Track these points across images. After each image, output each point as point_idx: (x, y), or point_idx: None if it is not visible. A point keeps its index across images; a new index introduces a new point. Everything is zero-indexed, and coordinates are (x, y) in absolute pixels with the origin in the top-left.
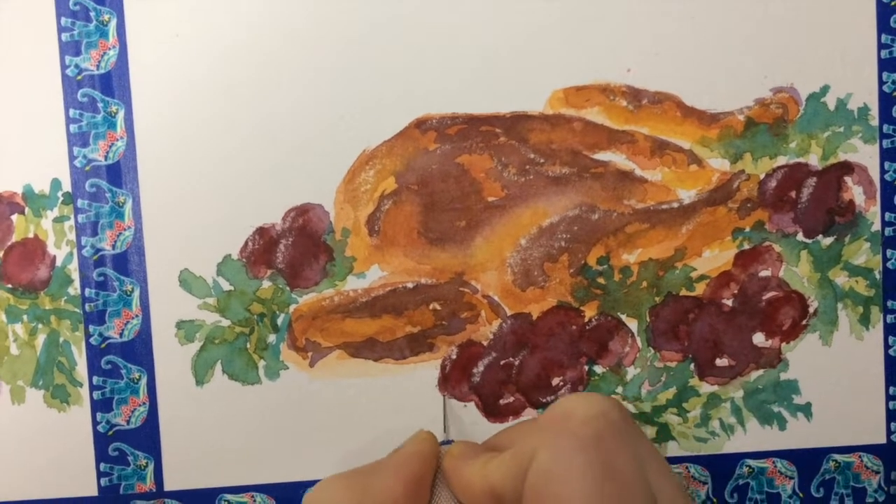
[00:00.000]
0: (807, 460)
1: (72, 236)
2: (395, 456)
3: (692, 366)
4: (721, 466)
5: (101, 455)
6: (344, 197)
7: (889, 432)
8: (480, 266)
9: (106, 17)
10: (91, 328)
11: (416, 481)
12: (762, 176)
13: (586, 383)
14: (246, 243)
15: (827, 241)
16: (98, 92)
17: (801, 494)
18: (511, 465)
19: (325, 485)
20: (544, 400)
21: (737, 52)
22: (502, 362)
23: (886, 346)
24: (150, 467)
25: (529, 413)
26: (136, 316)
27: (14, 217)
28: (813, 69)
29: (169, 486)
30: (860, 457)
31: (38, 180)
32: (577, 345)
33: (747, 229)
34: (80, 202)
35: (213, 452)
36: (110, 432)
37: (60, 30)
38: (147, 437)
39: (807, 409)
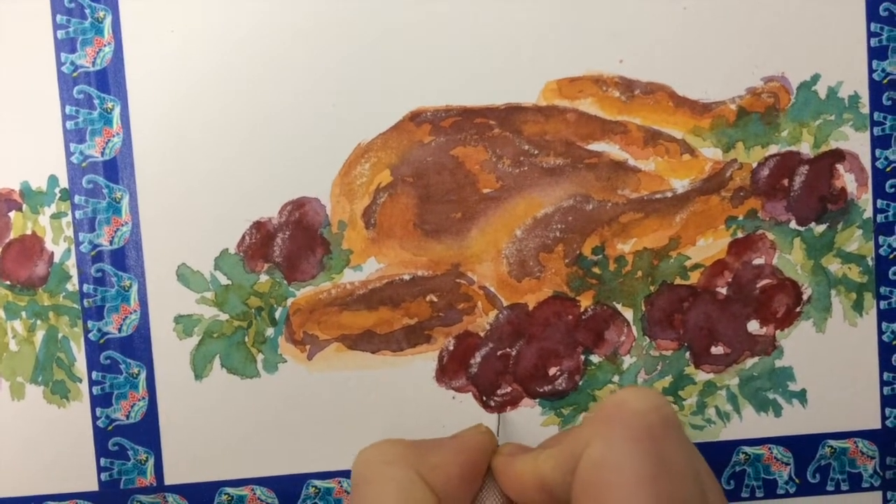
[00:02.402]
0: (803, 446)
1: (69, 232)
2: (456, 439)
3: (687, 354)
4: (718, 454)
5: (101, 450)
6: (340, 190)
7: (883, 418)
8: (476, 257)
9: (101, 13)
10: (90, 324)
11: (472, 467)
12: (754, 165)
13: (583, 373)
14: (243, 237)
15: (820, 228)
16: (94, 88)
17: (797, 480)
18: (562, 456)
19: (384, 443)
20: (541, 390)
21: (728, 41)
22: (499, 353)
23: (880, 332)
24: (151, 462)
25: (527, 403)
26: (135, 311)
27: (11, 214)
28: (803, 58)
29: (169, 480)
30: (855, 442)
31: (35, 177)
32: (573, 334)
33: (740, 218)
34: (77, 198)
35: (213, 446)
36: (110, 427)
37: (56, 27)
38: (147, 431)
39: (802, 396)
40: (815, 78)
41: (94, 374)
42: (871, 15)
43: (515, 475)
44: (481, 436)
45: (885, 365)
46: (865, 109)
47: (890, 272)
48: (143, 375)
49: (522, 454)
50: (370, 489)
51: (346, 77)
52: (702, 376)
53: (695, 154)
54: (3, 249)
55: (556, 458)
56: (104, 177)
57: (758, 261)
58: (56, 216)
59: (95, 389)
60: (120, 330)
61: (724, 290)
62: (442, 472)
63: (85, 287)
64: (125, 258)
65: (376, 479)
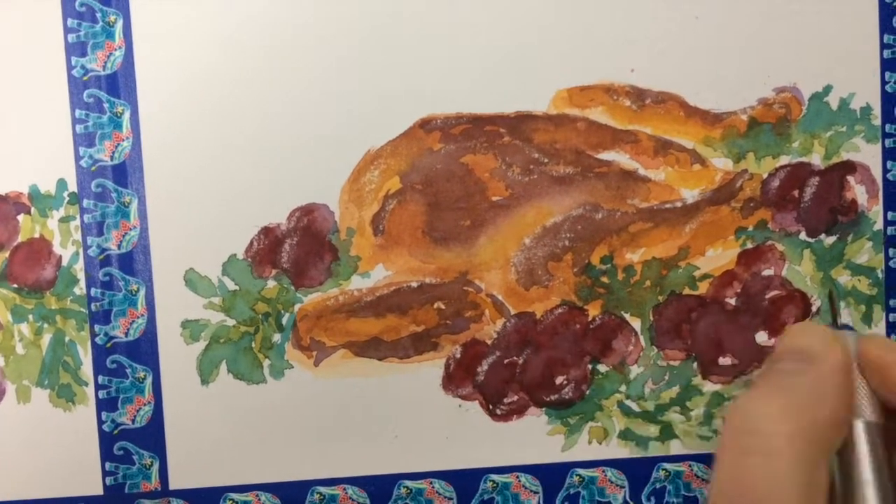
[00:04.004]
0: None
1: (77, 236)
2: (816, 368)
3: (695, 364)
4: None
5: (106, 454)
6: (349, 196)
7: None
8: (484, 265)
9: (112, 17)
10: (96, 328)
11: (848, 408)
12: (765, 175)
13: (590, 382)
14: (251, 243)
15: (829, 240)
16: (104, 92)
17: None
18: None
19: (770, 395)
20: (548, 399)
21: (740, 52)
22: (506, 361)
23: None
24: (156, 466)
25: (533, 412)
26: (142, 315)
27: (20, 217)
28: (816, 69)
29: (174, 484)
30: None
31: (44, 180)
32: (580, 344)
33: (750, 228)
34: (85, 202)
35: (218, 451)
36: (115, 431)
37: (67, 31)
38: (152, 436)
39: None
40: (827, 89)
41: (100, 378)
42: (884, 27)
43: None
44: (840, 351)
45: None
46: (877, 121)
47: None
48: (149, 380)
49: None
50: (767, 468)
51: (357, 84)
52: (709, 387)
53: (705, 164)
54: (12, 252)
55: None
56: (113, 181)
57: (767, 272)
58: (64, 220)
59: (101, 393)
60: (127, 334)
61: (732, 301)
62: (834, 429)
63: (92, 291)
64: (133, 262)
65: (773, 454)
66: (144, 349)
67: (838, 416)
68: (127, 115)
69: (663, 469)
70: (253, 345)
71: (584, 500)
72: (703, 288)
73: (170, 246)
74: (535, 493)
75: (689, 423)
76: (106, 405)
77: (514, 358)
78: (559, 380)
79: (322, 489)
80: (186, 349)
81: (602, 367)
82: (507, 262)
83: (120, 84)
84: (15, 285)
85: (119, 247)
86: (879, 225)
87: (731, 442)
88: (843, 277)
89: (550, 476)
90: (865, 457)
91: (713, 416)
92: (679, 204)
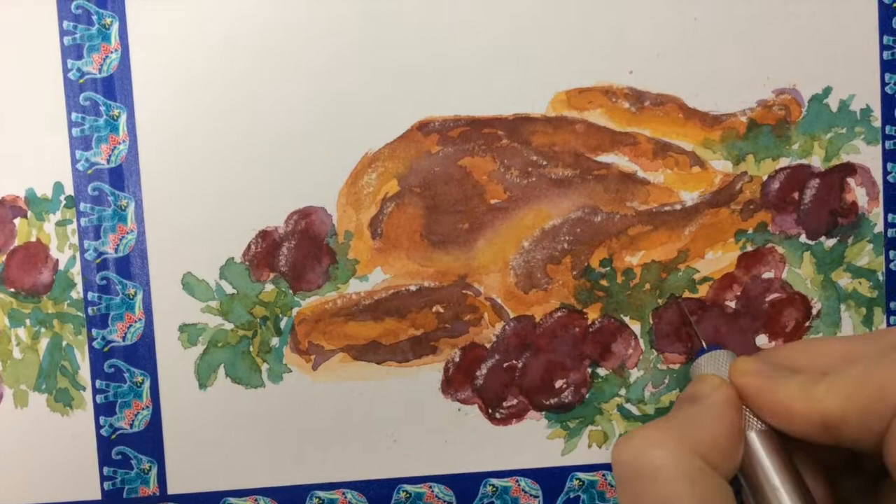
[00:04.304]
0: None
1: (74, 240)
2: (702, 403)
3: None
4: None
5: (104, 459)
6: (346, 200)
7: None
8: (483, 268)
9: (108, 20)
10: (94, 332)
11: (737, 430)
12: (765, 178)
13: (589, 386)
14: (248, 246)
15: (830, 242)
16: (100, 95)
17: None
18: (859, 398)
19: (647, 430)
20: (547, 402)
21: (739, 53)
22: (505, 365)
23: None
24: (154, 471)
25: (533, 416)
26: (139, 319)
27: (17, 221)
28: (815, 71)
29: (172, 489)
30: None
31: (41, 184)
32: (580, 347)
33: (750, 231)
34: (82, 206)
35: (217, 456)
36: (113, 436)
37: (62, 33)
38: (150, 440)
39: None
40: (827, 91)
41: (97, 383)
42: (884, 28)
43: (781, 403)
44: (725, 388)
45: None
46: (877, 123)
47: None
48: (147, 384)
49: (778, 377)
50: (653, 488)
51: (354, 86)
52: None
53: (704, 166)
54: (8, 257)
55: (850, 397)
56: (110, 184)
57: (767, 275)
58: (61, 223)
59: (99, 398)
60: (124, 338)
61: (732, 304)
62: (719, 447)
63: (89, 295)
64: (130, 266)
65: (659, 475)
66: (142, 353)
67: (720, 436)
68: (123, 119)
69: None
70: (251, 349)
71: None
72: (702, 291)
73: (167, 249)
74: (535, 496)
75: None
76: (104, 410)
77: (514, 361)
78: (559, 383)
79: (321, 493)
80: (184, 353)
81: (602, 371)
82: (506, 265)
83: (116, 87)
84: (12, 289)
85: (116, 250)
86: (880, 227)
87: (622, 473)
88: (844, 280)
89: (550, 480)
90: (766, 462)
91: None
92: (678, 206)
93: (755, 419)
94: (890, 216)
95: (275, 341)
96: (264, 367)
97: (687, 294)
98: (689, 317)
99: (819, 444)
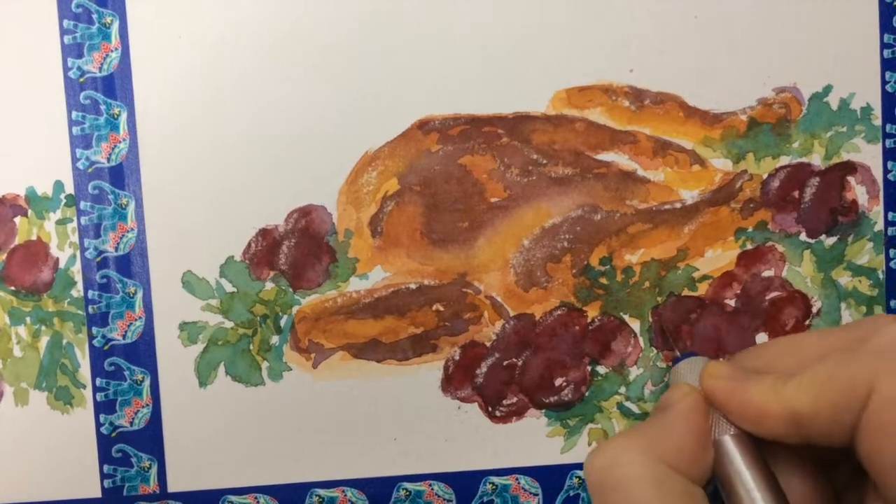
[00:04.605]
0: None
1: (75, 238)
2: (671, 411)
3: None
4: None
5: (104, 457)
6: (346, 198)
7: None
8: (483, 267)
9: (108, 19)
10: (94, 330)
11: (704, 434)
12: (765, 176)
13: (589, 384)
14: (249, 245)
15: (830, 240)
16: (100, 94)
17: None
18: (829, 392)
19: (613, 443)
20: (547, 400)
21: (739, 51)
22: (505, 363)
23: None
24: (154, 469)
25: (533, 414)
26: (140, 318)
27: (17, 219)
28: (816, 69)
29: (172, 487)
30: None
31: (41, 183)
32: (579, 345)
33: (750, 229)
34: (82, 204)
35: (217, 454)
36: (114, 434)
37: (63, 32)
38: (150, 438)
39: None
40: (828, 89)
41: (98, 381)
42: (885, 26)
43: (751, 405)
44: (694, 395)
45: None
46: (878, 121)
47: None
48: (147, 382)
49: (748, 379)
50: (622, 495)
51: (354, 85)
52: None
53: (705, 165)
54: (9, 255)
55: (819, 393)
56: (110, 183)
57: (767, 273)
58: (61, 222)
59: (99, 396)
60: (124, 336)
61: (732, 302)
62: (685, 453)
63: (90, 293)
64: (130, 264)
65: (625, 482)
66: (142, 351)
67: (687, 441)
68: (124, 117)
69: None
70: (251, 347)
71: (584, 502)
72: (702, 289)
73: (167, 248)
74: (535, 495)
75: None
76: (104, 408)
77: (514, 360)
78: (558, 381)
79: (321, 491)
80: (184, 351)
81: (601, 369)
82: (506, 263)
83: (116, 86)
84: (12, 288)
85: (116, 249)
86: (880, 226)
87: (592, 482)
88: (844, 278)
89: (550, 478)
90: (740, 466)
91: None
92: (678, 205)
93: (727, 423)
94: (890, 214)
95: (275, 339)
96: (264, 365)
97: (686, 292)
98: (668, 327)
99: (790, 444)
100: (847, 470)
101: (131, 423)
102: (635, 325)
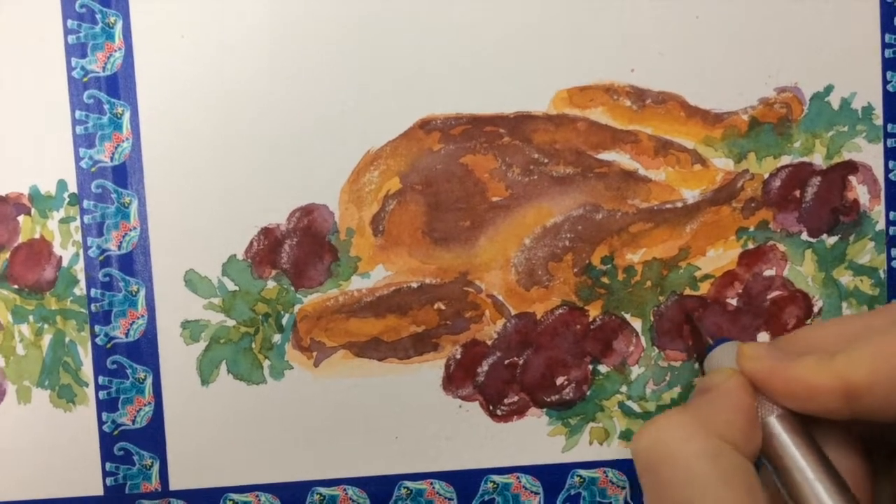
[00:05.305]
0: None
1: (78, 237)
2: (717, 391)
3: (696, 365)
4: None
5: (106, 455)
6: (348, 197)
7: None
8: (485, 266)
9: (112, 19)
10: (97, 328)
11: (753, 411)
12: (766, 175)
13: (590, 383)
14: (251, 243)
15: (831, 240)
16: (104, 93)
17: None
18: (884, 363)
19: (664, 418)
20: (548, 399)
21: (741, 51)
22: (506, 362)
23: None
24: (156, 467)
25: (534, 413)
26: (142, 316)
27: (20, 218)
28: (817, 69)
29: (174, 485)
30: None
31: (44, 181)
32: (581, 344)
33: (751, 229)
34: (85, 203)
35: (219, 452)
36: (116, 432)
37: (66, 32)
38: (152, 436)
39: None
40: (829, 89)
41: (100, 379)
42: (886, 26)
43: (799, 381)
44: (737, 376)
45: None
46: (879, 121)
47: None
48: (149, 380)
49: (789, 358)
50: (676, 471)
51: (356, 84)
52: None
53: (706, 164)
54: (12, 253)
55: (876, 365)
56: (113, 182)
57: (768, 272)
58: (65, 221)
59: (102, 394)
60: (127, 335)
61: (734, 302)
62: (737, 428)
63: (92, 292)
64: (133, 263)
65: (680, 456)
66: (145, 350)
67: (737, 417)
68: (127, 117)
69: None
70: (253, 345)
71: (585, 501)
72: (704, 288)
73: (170, 247)
74: (536, 493)
75: None
76: (106, 406)
77: (515, 358)
78: (560, 380)
79: (322, 490)
80: (186, 350)
81: (603, 368)
82: (508, 262)
83: (120, 85)
84: (15, 286)
85: (119, 247)
86: (881, 225)
87: (642, 460)
88: (845, 278)
89: (551, 477)
90: (790, 445)
91: None
92: (680, 204)
93: (771, 404)
94: (891, 214)
95: (277, 338)
96: (266, 363)
97: (688, 291)
98: (693, 321)
99: (836, 419)
100: (885, 452)
101: (133, 421)
102: (637, 324)
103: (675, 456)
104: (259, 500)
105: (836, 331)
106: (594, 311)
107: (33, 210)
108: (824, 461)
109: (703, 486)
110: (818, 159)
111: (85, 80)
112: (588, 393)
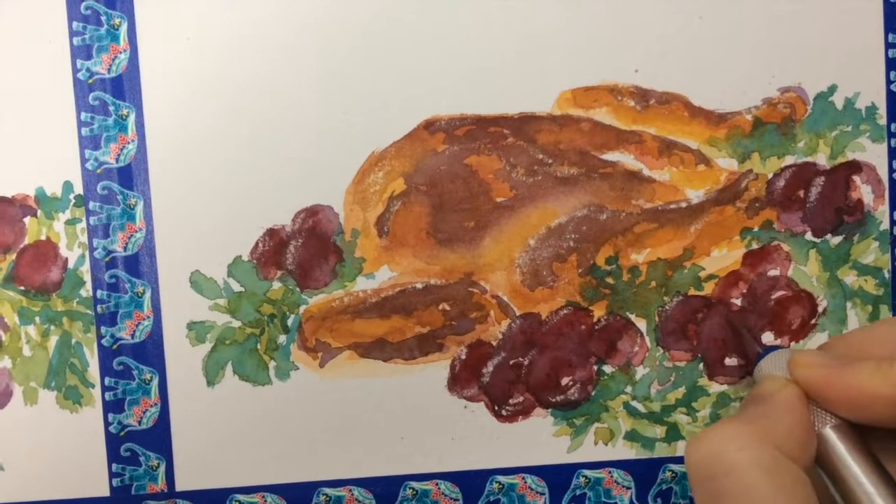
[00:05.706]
0: None
1: (84, 238)
2: (772, 399)
3: (701, 365)
4: None
5: (112, 456)
6: (353, 198)
7: None
8: (489, 266)
9: (117, 20)
10: (103, 329)
11: (809, 423)
12: (770, 175)
13: (595, 383)
14: (256, 245)
15: (836, 240)
16: (109, 95)
17: None
18: None
19: (720, 428)
20: (553, 400)
21: (744, 51)
22: (511, 362)
23: None
24: (162, 468)
25: (539, 413)
26: (148, 317)
27: (27, 219)
28: (820, 68)
29: (180, 486)
30: None
31: (51, 183)
32: (586, 344)
33: (756, 229)
34: (91, 204)
35: (224, 453)
36: (122, 433)
37: (72, 34)
38: (158, 437)
39: None
40: (832, 89)
41: (106, 380)
42: (889, 25)
43: (857, 390)
44: (791, 386)
45: None
46: (882, 121)
47: None
48: (155, 381)
49: (844, 366)
50: (734, 482)
51: (361, 85)
52: (715, 388)
53: (710, 164)
54: (18, 255)
55: None
56: (119, 183)
57: (773, 272)
58: (70, 222)
59: (108, 395)
60: (133, 336)
61: (738, 302)
62: (794, 440)
63: (98, 293)
64: (139, 264)
65: (738, 468)
66: (150, 351)
67: (794, 428)
68: (132, 118)
69: (670, 470)
70: (258, 346)
71: (591, 501)
72: (708, 288)
73: (175, 248)
74: (541, 494)
75: (695, 424)
76: (112, 407)
77: (520, 359)
78: (565, 381)
79: (328, 490)
80: (192, 351)
81: (607, 368)
82: (512, 263)
83: (125, 87)
84: (22, 287)
85: (125, 249)
86: (886, 225)
87: (697, 472)
88: (850, 277)
89: (556, 477)
90: (846, 456)
91: (720, 417)
92: (684, 204)
93: (826, 414)
94: (895, 214)
95: (282, 339)
96: (272, 364)
97: (693, 291)
98: (742, 330)
99: (891, 428)
100: None
101: (139, 423)
102: (641, 324)
103: (732, 467)
104: (265, 500)
105: (890, 335)
106: (599, 312)
107: (39, 212)
108: (882, 472)
109: (762, 499)
110: (822, 159)
111: (90, 81)
112: (593, 393)
